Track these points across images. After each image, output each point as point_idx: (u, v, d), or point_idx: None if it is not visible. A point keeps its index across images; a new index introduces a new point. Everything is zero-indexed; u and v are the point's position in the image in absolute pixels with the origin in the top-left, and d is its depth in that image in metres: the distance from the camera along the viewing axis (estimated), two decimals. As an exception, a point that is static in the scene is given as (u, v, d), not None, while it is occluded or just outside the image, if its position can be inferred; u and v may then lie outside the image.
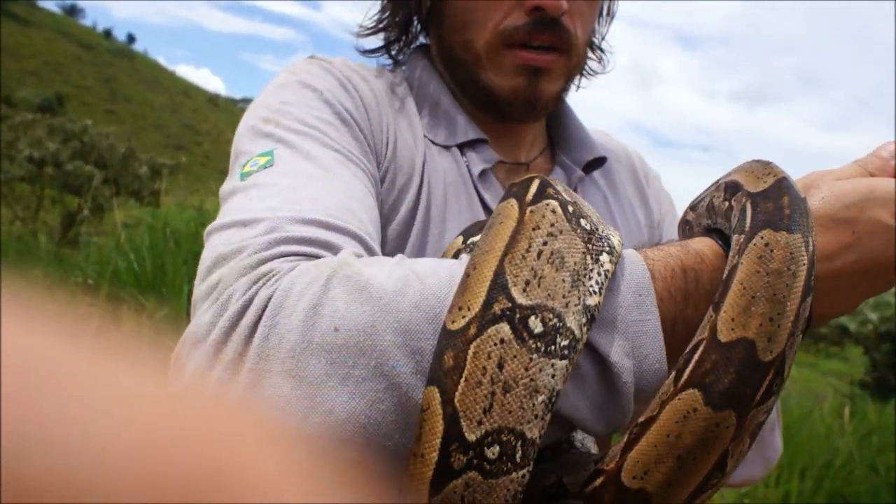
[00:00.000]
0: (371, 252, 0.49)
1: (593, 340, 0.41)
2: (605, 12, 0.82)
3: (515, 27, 0.69)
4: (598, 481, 0.40)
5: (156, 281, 3.98)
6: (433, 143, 0.74)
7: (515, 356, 0.35)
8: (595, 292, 0.39)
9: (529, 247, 0.39)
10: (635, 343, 0.41)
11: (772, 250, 0.40)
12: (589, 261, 0.40)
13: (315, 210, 0.48)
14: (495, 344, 0.35)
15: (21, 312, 0.14)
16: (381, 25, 0.81)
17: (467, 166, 0.73)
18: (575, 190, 0.77)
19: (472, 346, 0.35)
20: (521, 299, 0.36)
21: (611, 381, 0.41)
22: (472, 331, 0.35)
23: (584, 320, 0.39)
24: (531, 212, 0.41)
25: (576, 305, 0.38)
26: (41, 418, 0.12)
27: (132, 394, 0.14)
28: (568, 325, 0.37)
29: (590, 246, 0.41)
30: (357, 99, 0.66)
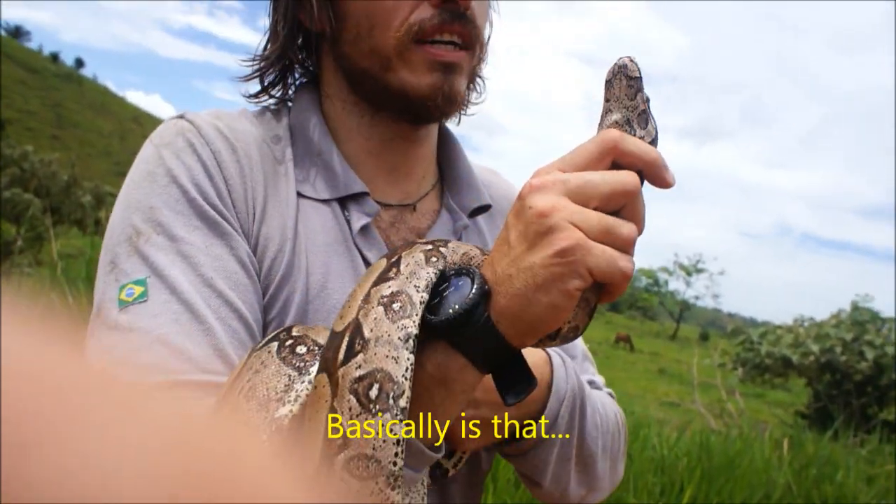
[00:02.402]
0: (218, 385, 0.59)
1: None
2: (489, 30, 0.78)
3: (424, 19, 0.68)
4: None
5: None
6: (310, 198, 0.72)
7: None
8: (290, 402, 0.53)
9: (241, 387, 0.54)
10: None
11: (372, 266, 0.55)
12: (292, 380, 0.54)
13: (180, 370, 0.58)
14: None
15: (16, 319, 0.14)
16: (263, 64, 0.78)
17: (347, 221, 0.72)
18: (459, 238, 0.78)
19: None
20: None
21: None
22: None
23: (272, 429, 0.52)
24: (255, 356, 0.56)
25: (264, 420, 0.52)
26: (40, 421, 0.12)
27: (129, 400, 0.14)
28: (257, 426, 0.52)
29: (300, 366, 0.55)
30: (221, 183, 0.67)
